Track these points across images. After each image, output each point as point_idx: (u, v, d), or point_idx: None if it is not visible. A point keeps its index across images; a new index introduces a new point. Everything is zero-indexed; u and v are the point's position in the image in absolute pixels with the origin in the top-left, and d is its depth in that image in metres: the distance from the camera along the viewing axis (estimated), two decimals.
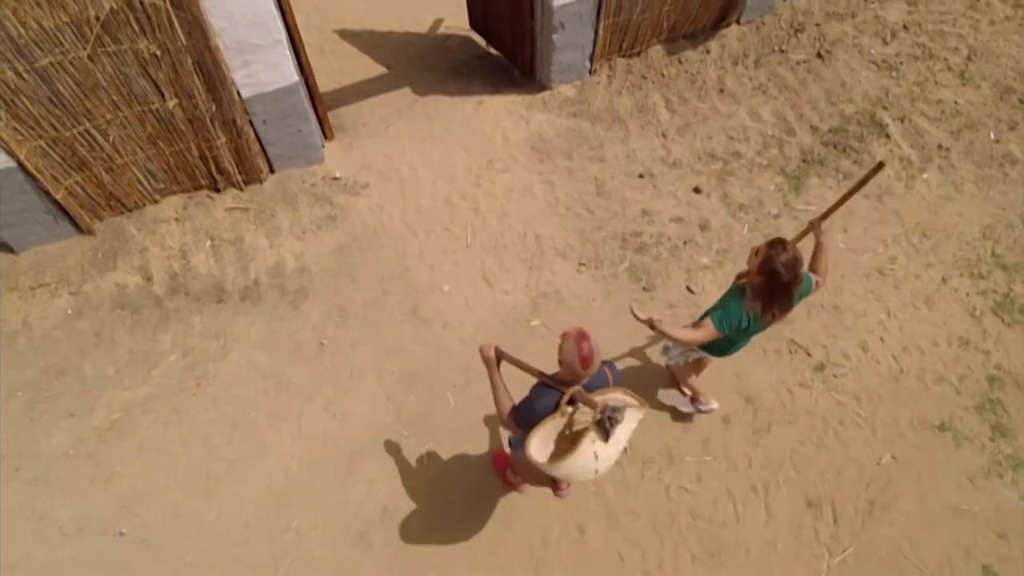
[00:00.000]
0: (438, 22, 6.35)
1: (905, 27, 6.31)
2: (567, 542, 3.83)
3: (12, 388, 4.36)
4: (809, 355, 4.52)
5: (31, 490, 4.04)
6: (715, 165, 5.43)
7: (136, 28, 3.82)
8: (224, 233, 4.94)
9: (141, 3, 3.71)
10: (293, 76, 4.50)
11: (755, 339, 4.55)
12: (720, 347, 3.63)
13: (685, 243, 5.01)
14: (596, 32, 5.39)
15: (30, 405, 4.31)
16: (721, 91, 5.87)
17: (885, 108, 5.78)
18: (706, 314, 3.65)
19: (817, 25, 6.25)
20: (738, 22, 6.07)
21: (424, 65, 6.03)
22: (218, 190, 4.97)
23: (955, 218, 5.17)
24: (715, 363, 4.42)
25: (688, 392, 4.28)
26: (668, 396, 4.29)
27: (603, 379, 2.85)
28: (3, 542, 3.84)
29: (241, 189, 5.00)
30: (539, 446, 2.63)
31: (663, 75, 5.88)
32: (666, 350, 3.97)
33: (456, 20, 6.32)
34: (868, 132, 5.63)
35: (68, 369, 4.43)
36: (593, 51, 5.56)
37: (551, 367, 3.00)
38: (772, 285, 3.05)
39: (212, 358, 4.48)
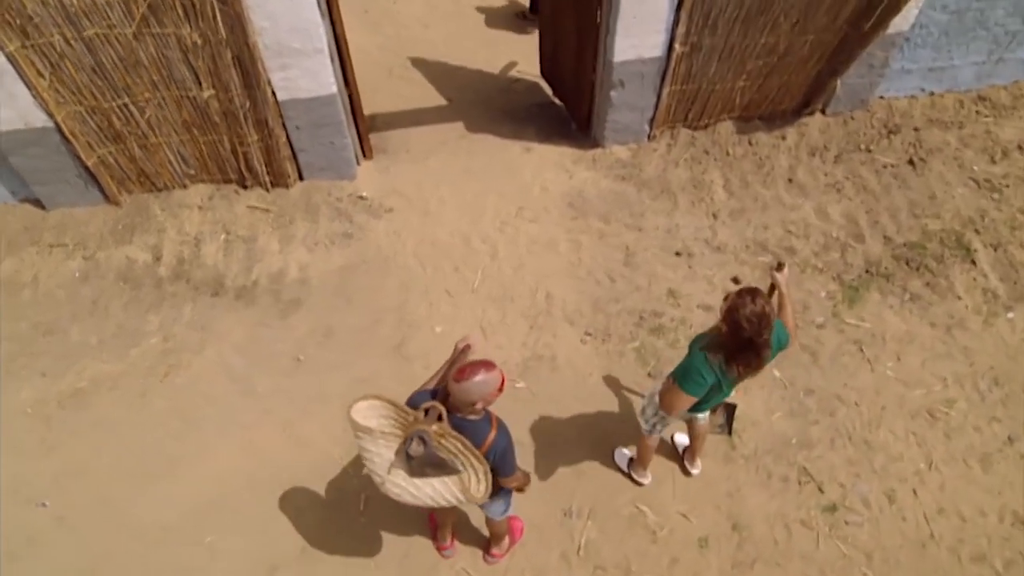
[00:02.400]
0: (511, 65, 6.26)
1: (1020, 147, 5.60)
2: None
3: (5, 336, 4.45)
4: (821, 491, 3.88)
5: None
6: (763, 257, 4.92)
7: (181, 14, 3.91)
8: (240, 230, 4.93)
9: None
10: (331, 87, 4.47)
11: (762, 459, 4.03)
12: (696, 406, 3.16)
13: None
14: (659, 96, 5.09)
15: (11, 357, 4.36)
16: (790, 181, 5.38)
17: (977, 232, 5.08)
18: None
19: (915, 130, 5.65)
20: (823, 112, 5.59)
21: (484, 104, 5.92)
22: (245, 187, 5.00)
23: None
24: (707, 473, 3.93)
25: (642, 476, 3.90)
26: (618, 456, 3.98)
27: (480, 435, 2.56)
28: None
29: (267, 190, 5.00)
30: (367, 410, 2.59)
31: (728, 153, 5.47)
32: (643, 413, 3.55)
33: (529, 66, 6.20)
34: (951, 254, 4.95)
35: (56, 330, 4.48)
36: (654, 116, 5.25)
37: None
38: (735, 337, 2.69)
39: (190, 349, 4.41)
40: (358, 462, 3.97)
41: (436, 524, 3.65)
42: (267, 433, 4.08)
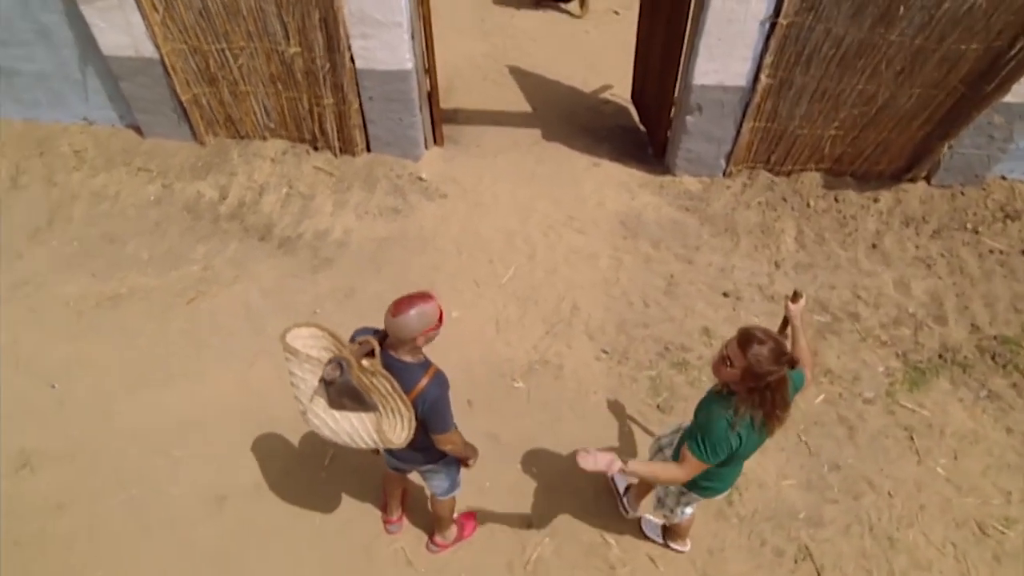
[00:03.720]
0: (604, 87, 6.22)
1: None
2: None
3: (73, 237, 4.88)
4: None
5: (22, 317, 4.40)
6: (821, 317, 4.45)
7: None
8: (302, 187, 5.15)
9: None
10: (406, 63, 4.62)
11: (758, 525, 3.55)
12: (712, 481, 2.77)
13: None
14: (739, 130, 4.82)
15: (75, 254, 4.77)
16: (873, 247, 4.87)
17: None
18: (683, 439, 2.90)
19: None
20: (928, 181, 5.05)
21: (567, 118, 5.89)
22: (316, 148, 5.24)
23: None
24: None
25: (682, 545, 3.46)
26: (648, 525, 3.52)
27: (412, 379, 2.41)
28: None
29: (335, 155, 5.21)
30: (308, 339, 2.46)
31: (809, 205, 5.05)
32: (660, 503, 3.13)
33: (623, 91, 6.13)
34: None
35: (117, 240, 4.85)
36: (732, 151, 4.97)
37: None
38: (770, 387, 2.33)
39: (221, 282, 4.61)
40: None
41: (387, 496, 3.51)
42: (263, 372, 4.13)
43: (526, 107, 6.02)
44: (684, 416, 3.87)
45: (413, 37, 4.61)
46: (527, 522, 3.57)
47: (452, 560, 3.43)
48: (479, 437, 3.88)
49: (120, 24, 4.54)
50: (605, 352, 4.27)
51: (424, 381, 2.44)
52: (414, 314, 2.33)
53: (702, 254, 4.81)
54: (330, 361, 2.39)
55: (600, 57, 6.64)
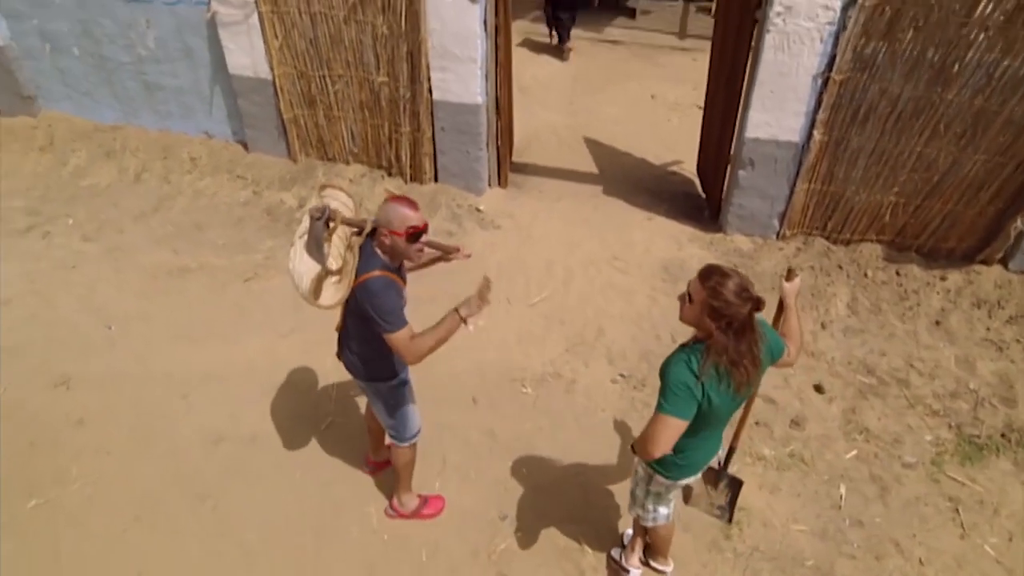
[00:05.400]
0: (674, 162, 6.40)
1: None
2: None
3: (169, 222, 5.52)
4: None
5: (106, 275, 4.94)
6: (865, 377, 4.12)
7: (378, 6, 4.88)
8: (370, 205, 5.58)
9: None
10: (477, 98, 5.06)
11: (756, 564, 3.17)
12: (677, 454, 2.49)
13: (757, 423, 3.82)
14: (792, 189, 4.79)
15: (166, 234, 5.37)
16: (936, 324, 4.51)
17: None
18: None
19: None
20: (1004, 264, 4.69)
21: (632, 180, 6.08)
22: (390, 174, 5.71)
23: None
24: (681, 550, 3.19)
25: (663, 564, 3.17)
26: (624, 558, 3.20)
27: (364, 267, 2.52)
28: (45, 283, 4.81)
29: (406, 181, 5.65)
30: (340, 199, 2.70)
31: (866, 275, 4.81)
32: (633, 498, 2.93)
33: (694, 167, 6.29)
34: None
35: (204, 228, 5.42)
36: (785, 212, 4.91)
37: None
38: (732, 327, 2.18)
39: (278, 268, 4.98)
40: (341, 392, 4.02)
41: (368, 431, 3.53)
42: (292, 345, 4.35)
43: (593, 168, 6.31)
44: None
45: (487, 77, 5.09)
46: (503, 516, 3.39)
47: (418, 534, 3.30)
48: (476, 432, 3.84)
49: (245, 47, 5.36)
50: (623, 376, 4.14)
51: (373, 274, 2.51)
52: (394, 209, 2.48)
53: None
54: (324, 206, 2.55)
55: (677, 140, 6.89)
